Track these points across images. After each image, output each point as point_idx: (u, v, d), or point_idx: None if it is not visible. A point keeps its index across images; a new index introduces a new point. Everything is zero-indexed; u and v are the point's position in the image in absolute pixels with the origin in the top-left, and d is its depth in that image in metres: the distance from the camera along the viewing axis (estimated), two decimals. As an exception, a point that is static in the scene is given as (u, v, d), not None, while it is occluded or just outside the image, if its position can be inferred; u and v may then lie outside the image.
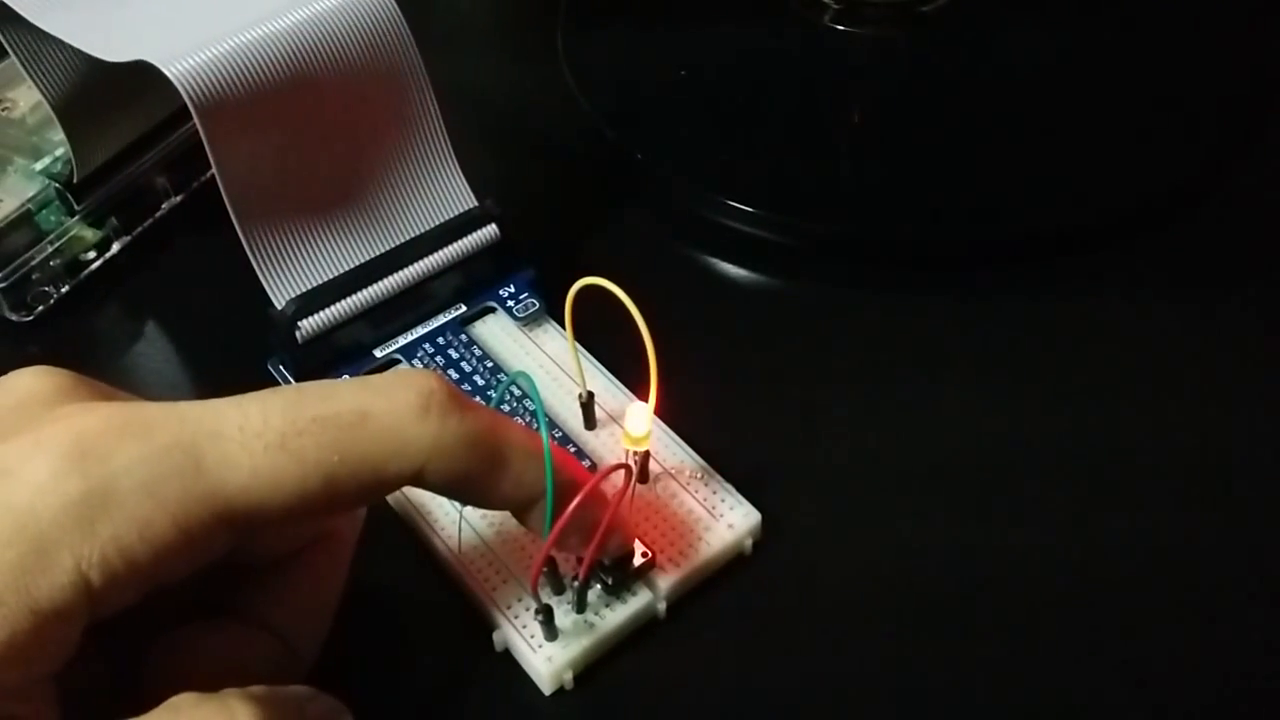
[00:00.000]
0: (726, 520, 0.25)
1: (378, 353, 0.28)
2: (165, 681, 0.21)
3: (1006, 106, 0.36)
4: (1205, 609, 0.24)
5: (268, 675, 0.22)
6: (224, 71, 0.25)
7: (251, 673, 0.21)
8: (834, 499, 0.26)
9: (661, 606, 0.24)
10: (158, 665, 0.21)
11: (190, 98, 0.25)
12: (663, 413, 0.26)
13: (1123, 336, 0.30)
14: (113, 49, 0.26)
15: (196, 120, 0.25)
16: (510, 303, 0.30)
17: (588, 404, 0.27)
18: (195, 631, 0.21)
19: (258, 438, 0.19)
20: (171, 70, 0.24)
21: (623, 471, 0.23)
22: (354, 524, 0.23)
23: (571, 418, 0.27)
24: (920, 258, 0.32)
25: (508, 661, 0.24)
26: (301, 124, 0.27)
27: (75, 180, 0.32)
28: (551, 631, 0.23)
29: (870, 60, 0.38)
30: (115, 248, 0.33)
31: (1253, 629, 0.24)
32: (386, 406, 0.20)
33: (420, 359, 0.28)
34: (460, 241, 0.29)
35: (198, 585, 0.21)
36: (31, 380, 0.20)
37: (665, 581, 0.24)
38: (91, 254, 0.33)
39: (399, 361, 0.29)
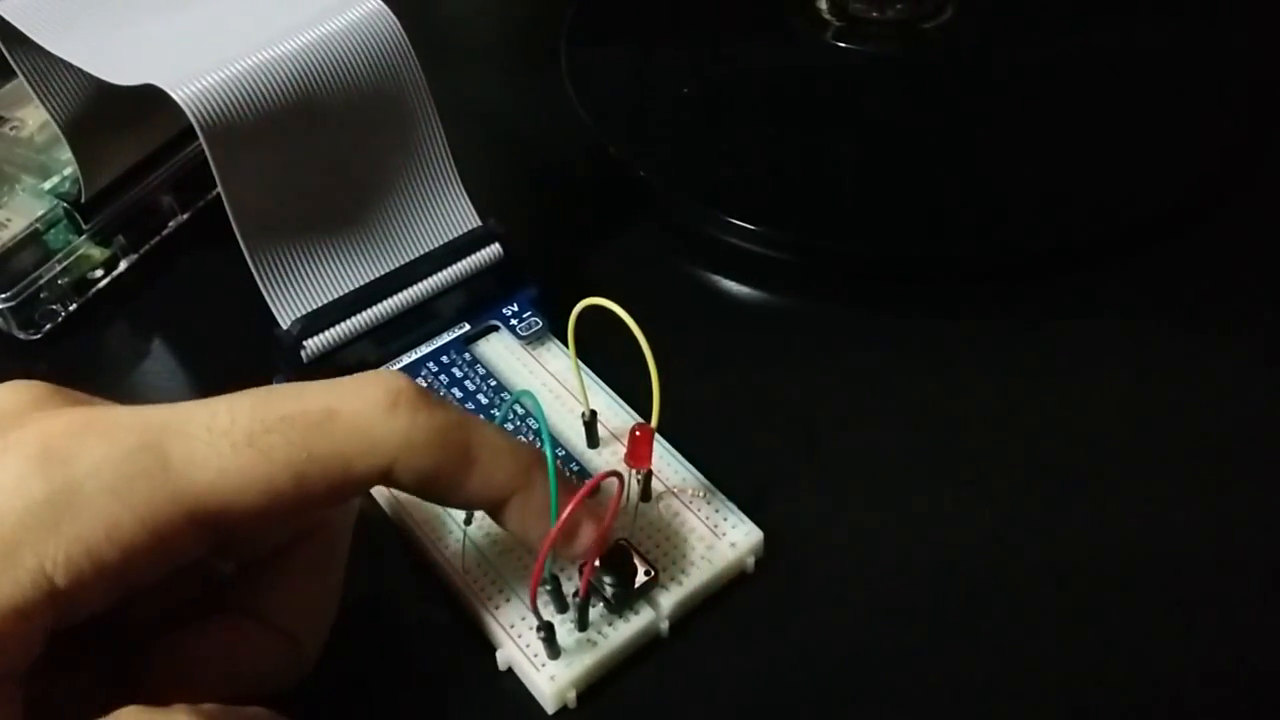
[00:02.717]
0: (729, 538, 0.25)
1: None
2: (170, 683, 0.21)
3: (1008, 123, 0.36)
4: (1208, 612, 0.24)
5: (273, 671, 0.22)
6: (230, 95, 0.25)
7: (256, 669, 0.22)
8: (836, 517, 0.27)
9: (664, 625, 0.24)
10: (162, 667, 0.21)
11: (197, 121, 0.25)
12: (665, 431, 0.26)
13: (1122, 350, 0.30)
14: (120, 73, 0.26)
15: (203, 143, 0.25)
16: (514, 321, 0.30)
17: (590, 422, 0.27)
18: (198, 631, 0.22)
19: (225, 436, 0.19)
20: (179, 94, 0.25)
21: (615, 480, 0.23)
22: (347, 513, 0.23)
23: (574, 436, 0.27)
24: (922, 274, 0.32)
25: (511, 680, 0.24)
26: (306, 145, 0.27)
27: (83, 199, 0.32)
28: (554, 650, 0.23)
29: (872, 77, 0.38)
30: (122, 266, 0.33)
31: (1259, 631, 0.24)
32: (355, 404, 0.20)
33: (424, 377, 0.29)
34: (464, 261, 0.29)
35: (195, 585, 0.22)
36: (6, 394, 0.20)
37: (668, 600, 0.24)
38: (99, 272, 0.33)
39: (403, 380, 0.29)
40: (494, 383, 0.29)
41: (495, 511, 0.22)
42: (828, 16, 0.39)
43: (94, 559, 0.18)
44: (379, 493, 0.27)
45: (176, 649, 0.21)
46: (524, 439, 0.27)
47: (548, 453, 0.21)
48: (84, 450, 0.19)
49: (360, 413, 0.20)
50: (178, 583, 0.20)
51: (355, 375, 0.21)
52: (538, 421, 0.22)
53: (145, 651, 0.21)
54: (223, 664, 0.21)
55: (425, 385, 0.28)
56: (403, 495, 0.25)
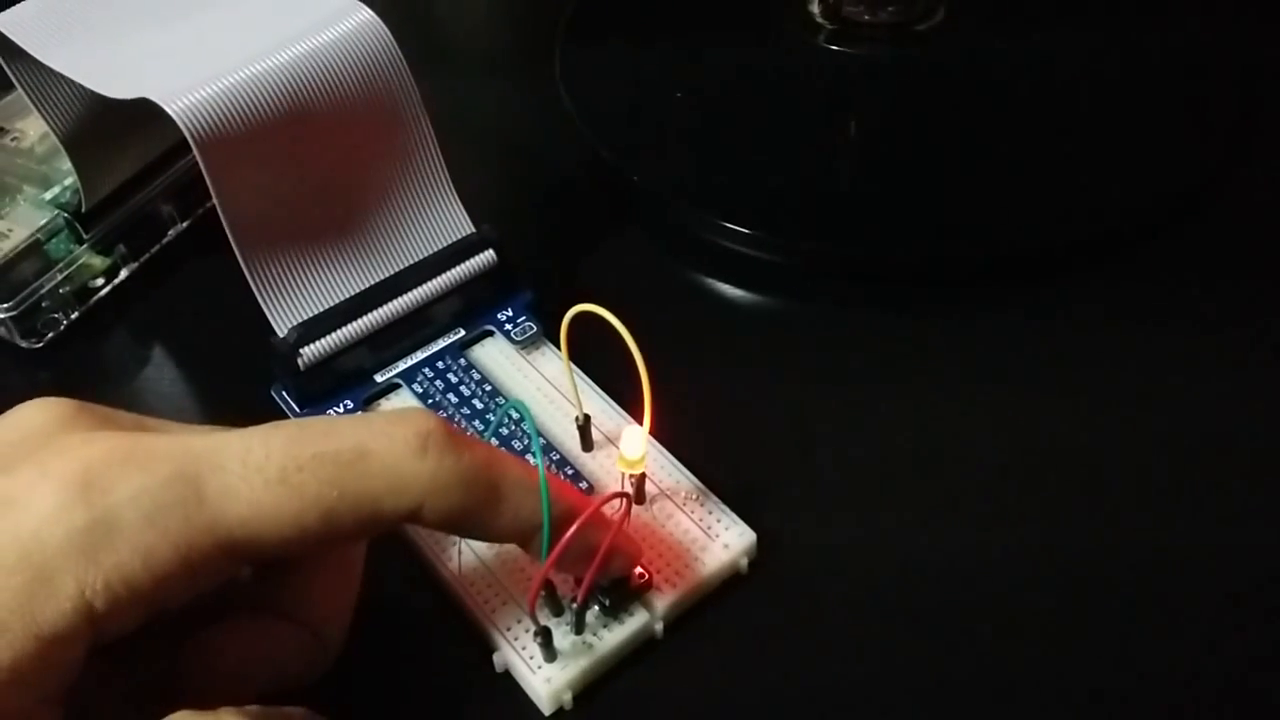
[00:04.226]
0: (722, 540, 0.25)
1: (378, 377, 0.29)
2: (199, 682, 0.21)
3: (1001, 124, 0.36)
4: (1207, 613, 0.24)
5: (297, 667, 0.22)
6: (224, 107, 0.25)
7: (281, 666, 0.22)
8: (829, 518, 0.27)
9: (659, 627, 0.24)
10: (191, 667, 0.22)
11: (191, 133, 0.25)
12: (658, 434, 0.26)
13: (1120, 350, 0.30)
14: (116, 86, 0.26)
15: (197, 155, 0.25)
16: (508, 326, 0.30)
17: (584, 426, 0.27)
18: (224, 631, 0.22)
19: (259, 472, 0.20)
20: (173, 107, 0.25)
21: (620, 497, 0.23)
22: None
23: (569, 440, 0.27)
24: (916, 276, 0.33)
25: (508, 682, 0.24)
26: (300, 155, 0.27)
27: (84, 209, 0.32)
28: (550, 652, 0.23)
29: (865, 80, 0.38)
30: (123, 274, 0.34)
31: (1249, 639, 0.24)
32: (386, 445, 0.21)
33: (420, 383, 0.29)
34: (458, 267, 0.29)
35: (220, 587, 0.22)
36: (35, 412, 0.21)
37: (662, 602, 0.24)
38: (100, 281, 0.33)
39: (399, 386, 0.29)
40: (489, 388, 0.29)
41: (525, 545, 0.22)
42: (820, 20, 0.39)
43: (130, 586, 0.19)
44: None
45: (205, 650, 0.22)
46: (517, 443, 0.27)
47: (538, 464, 0.21)
48: (123, 479, 0.19)
49: (391, 453, 0.21)
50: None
51: (387, 413, 0.21)
52: (529, 431, 0.22)
53: (170, 650, 0.22)
54: (251, 661, 0.22)
55: (421, 391, 0.29)
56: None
